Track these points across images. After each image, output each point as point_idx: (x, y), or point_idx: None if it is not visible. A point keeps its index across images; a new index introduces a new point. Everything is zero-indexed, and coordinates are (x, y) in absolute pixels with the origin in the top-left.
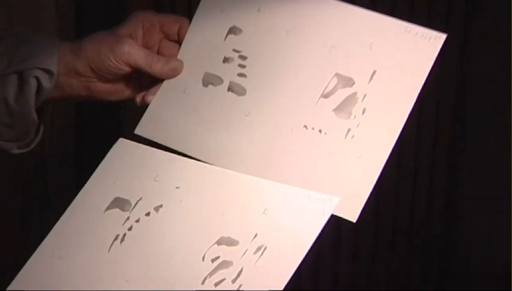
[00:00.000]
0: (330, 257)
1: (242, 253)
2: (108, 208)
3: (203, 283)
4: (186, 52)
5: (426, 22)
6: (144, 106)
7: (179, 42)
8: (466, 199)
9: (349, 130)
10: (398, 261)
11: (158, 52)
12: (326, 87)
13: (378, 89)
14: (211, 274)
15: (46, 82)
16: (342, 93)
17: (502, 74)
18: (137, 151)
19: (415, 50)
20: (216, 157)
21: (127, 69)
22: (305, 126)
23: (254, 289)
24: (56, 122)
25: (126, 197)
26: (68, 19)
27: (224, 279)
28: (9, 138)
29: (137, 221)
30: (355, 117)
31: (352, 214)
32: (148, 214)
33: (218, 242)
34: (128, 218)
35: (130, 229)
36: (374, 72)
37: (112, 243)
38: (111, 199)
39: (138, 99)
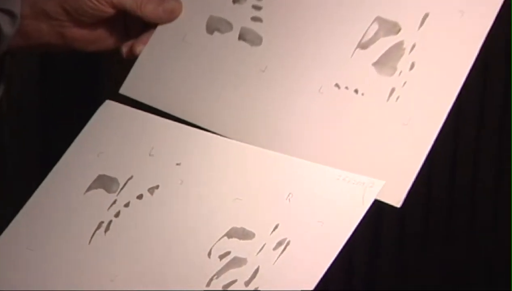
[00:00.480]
0: (367, 250)
1: (259, 249)
2: (89, 188)
3: (208, 285)
4: None
5: None
6: (131, 59)
7: None
8: None
9: (393, 90)
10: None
11: None
12: (364, 34)
13: (430, 38)
14: (219, 274)
15: (7, 27)
16: (385, 43)
17: None
18: (128, 116)
19: None
20: (224, 125)
21: (110, 10)
22: (336, 85)
23: None
24: (15, 83)
25: (113, 175)
26: None
27: (235, 281)
28: None
29: (127, 205)
30: (400, 73)
31: (395, 197)
32: (140, 196)
33: (229, 234)
34: (115, 202)
35: (117, 215)
36: (426, 15)
37: (94, 232)
38: (94, 177)
39: (124, 49)
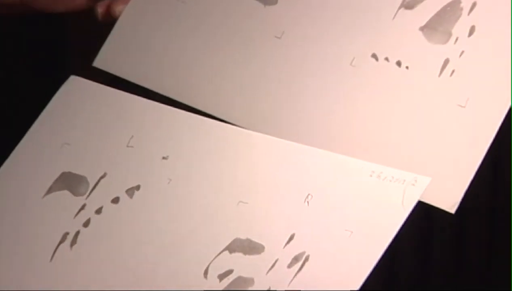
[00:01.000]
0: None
1: (270, 266)
2: (50, 190)
3: None
4: None
5: None
6: (108, 23)
7: None
8: None
9: (446, 61)
10: None
11: None
12: None
13: None
14: None
15: None
16: (436, 1)
17: None
18: (99, 97)
19: None
20: (227, 107)
21: None
22: (374, 56)
23: None
24: None
25: (81, 173)
26: None
27: None
28: None
29: (98, 211)
30: (457, 40)
31: (449, 200)
32: (116, 200)
33: (230, 248)
34: (83, 207)
35: (86, 224)
36: None
37: (58, 246)
38: (57, 175)
39: (100, 10)
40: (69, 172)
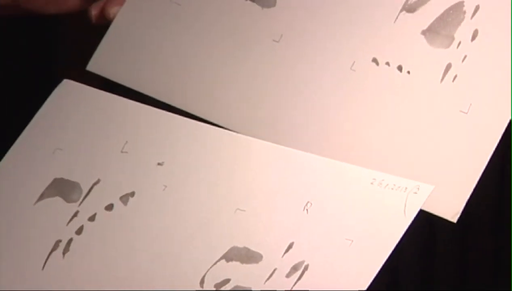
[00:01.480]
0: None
1: (268, 275)
2: (42, 197)
3: None
4: None
5: None
6: (102, 25)
7: None
8: None
9: (449, 66)
10: None
11: None
12: None
13: None
14: None
15: None
16: (439, 4)
17: None
18: (92, 101)
19: None
20: (224, 113)
21: None
22: (374, 60)
23: None
24: None
25: (74, 179)
26: None
27: None
28: None
29: (92, 218)
30: (459, 44)
31: (451, 209)
32: (110, 207)
33: (227, 257)
34: (76, 214)
35: (79, 231)
36: None
37: (50, 254)
38: (49, 182)
39: (94, 12)
40: (62, 178)
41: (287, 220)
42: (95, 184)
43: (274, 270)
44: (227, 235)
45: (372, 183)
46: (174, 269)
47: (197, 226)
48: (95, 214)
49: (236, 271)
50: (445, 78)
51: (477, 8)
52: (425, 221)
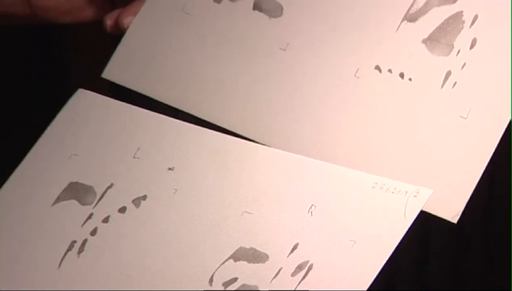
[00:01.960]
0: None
1: (274, 274)
2: (59, 199)
3: None
4: None
5: None
6: (116, 34)
7: None
8: None
9: (449, 73)
10: None
11: None
12: (412, 3)
13: (497, 6)
14: None
15: None
16: (439, 14)
17: None
18: (106, 109)
19: None
20: (232, 119)
21: None
22: (377, 68)
23: None
24: None
25: (89, 183)
26: None
27: None
28: None
29: (105, 220)
30: (459, 52)
31: (451, 210)
32: (123, 209)
33: (235, 257)
34: (90, 216)
35: (93, 233)
36: None
37: (65, 254)
38: (65, 185)
39: (109, 22)
40: (77, 182)
41: (292, 222)
42: (108, 188)
43: (280, 269)
44: (235, 236)
45: (373, 187)
46: (184, 268)
47: (206, 228)
48: (108, 216)
49: (243, 271)
50: (445, 84)
51: (475, 18)
52: (419, 225)
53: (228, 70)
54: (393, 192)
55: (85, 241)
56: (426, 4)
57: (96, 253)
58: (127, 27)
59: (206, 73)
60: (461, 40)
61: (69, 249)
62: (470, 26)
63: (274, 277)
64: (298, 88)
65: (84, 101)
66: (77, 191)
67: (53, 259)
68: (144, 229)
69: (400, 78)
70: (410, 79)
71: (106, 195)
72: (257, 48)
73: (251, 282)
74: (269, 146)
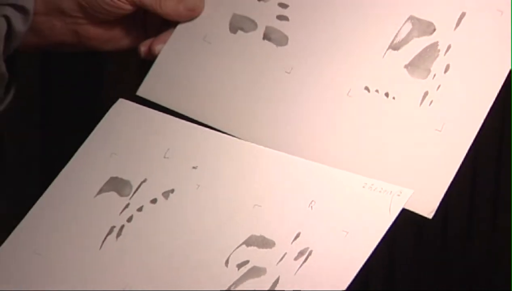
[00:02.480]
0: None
1: (279, 258)
2: (101, 191)
3: None
4: None
5: None
6: (149, 59)
7: None
8: None
9: (426, 93)
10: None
11: None
12: (396, 35)
13: (467, 38)
14: (236, 283)
15: (19, 23)
16: (418, 43)
17: None
18: (142, 116)
19: None
20: (246, 128)
21: (128, 7)
22: (366, 88)
23: None
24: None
25: (126, 178)
26: None
27: None
28: None
29: (140, 209)
30: (435, 76)
31: (427, 207)
32: (154, 201)
33: (247, 243)
34: (127, 205)
35: (129, 220)
36: (462, 15)
37: (106, 237)
38: (106, 179)
39: (143, 48)
40: (116, 177)
41: (295, 214)
42: (142, 182)
43: (285, 254)
44: (247, 225)
45: (363, 187)
46: (205, 252)
47: (223, 218)
48: (142, 206)
49: (254, 255)
50: (423, 102)
51: (449, 47)
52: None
53: (241, 89)
54: (380, 192)
55: (122, 227)
56: (407, 35)
57: (131, 237)
58: (158, 53)
59: (222, 91)
60: (437, 66)
61: (109, 233)
62: (445, 54)
63: (280, 260)
64: (301, 105)
65: (123, 109)
66: (117, 185)
67: (96, 241)
68: (172, 218)
69: (385, 97)
70: (393, 98)
71: (140, 188)
72: (266, 71)
73: (260, 265)
74: (276, 149)
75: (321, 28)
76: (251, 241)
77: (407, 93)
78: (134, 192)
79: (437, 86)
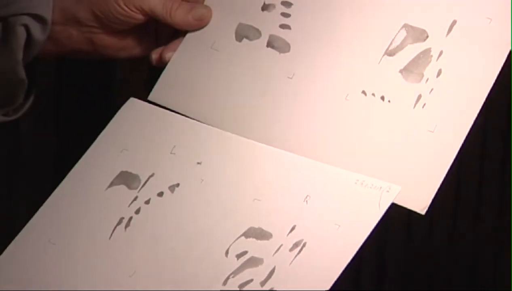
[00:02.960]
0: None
1: (275, 249)
2: (111, 184)
3: (225, 283)
4: None
5: None
6: (160, 66)
7: None
8: None
9: (419, 96)
10: None
11: None
12: (391, 41)
13: (458, 45)
14: (235, 273)
15: (37, 33)
16: (412, 50)
17: None
18: (151, 115)
19: None
20: (249, 129)
21: (140, 17)
22: (363, 92)
23: None
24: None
25: (135, 172)
26: None
27: (251, 280)
28: None
29: (147, 202)
30: (427, 80)
31: (421, 204)
32: (161, 194)
33: (246, 234)
34: (136, 198)
35: (137, 211)
36: (453, 23)
37: (115, 228)
38: (116, 173)
39: (154, 56)
40: (126, 171)
41: (291, 208)
42: (150, 176)
43: (281, 245)
44: (246, 218)
45: (355, 183)
46: (206, 242)
47: (224, 211)
48: (149, 199)
49: (252, 246)
50: (417, 105)
51: (441, 53)
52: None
53: (246, 93)
54: (370, 187)
55: (131, 218)
56: (402, 42)
57: (139, 228)
58: (168, 61)
59: (228, 95)
60: (430, 71)
61: (118, 224)
62: (437, 60)
63: (276, 251)
64: (302, 108)
65: (133, 107)
66: (126, 178)
67: (106, 231)
68: (177, 210)
69: (381, 100)
70: (389, 101)
71: (148, 182)
72: (269, 76)
73: (258, 255)
74: (276, 148)
75: (321, 36)
76: (250, 233)
77: (402, 97)
78: (142, 186)
79: (430, 89)
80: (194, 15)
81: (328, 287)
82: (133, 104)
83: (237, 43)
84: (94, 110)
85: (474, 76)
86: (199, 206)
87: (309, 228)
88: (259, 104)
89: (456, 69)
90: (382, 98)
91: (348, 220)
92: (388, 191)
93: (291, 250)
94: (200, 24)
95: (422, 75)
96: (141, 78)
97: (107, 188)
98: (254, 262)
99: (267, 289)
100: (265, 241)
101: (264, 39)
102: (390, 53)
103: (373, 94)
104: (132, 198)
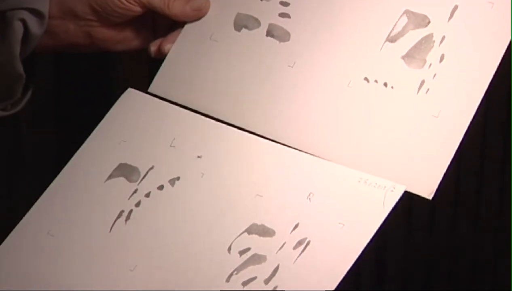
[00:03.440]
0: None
1: (279, 247)
2: (111, 177)
3: (228, 280)
4: None
5: None
6: (159, 58)
7: None
8: None
9: (423, 82)
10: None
11: None
12: (393, 28)
13: (460, 30)
14: (238, 270)
15: (35, 27)
16: (414, 36)
17: None
18: (150, 106)
19: None
20: (250, 119)
21: (138, 9)
22: (365, 79)
23: None
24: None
25: (134, 164)
26: None
27: (255, 278)
28: None
29: (147, 195)
30: (430, 65)
31: (427, 189)
32: (161, 187)
33: (249, 231)
34: (135, 191)
35: (138, 204)
36: (455, 8)
37: (115, 221)
38: (115, 165)
39: (153, 48)
40: (125, 163)
41: (294, 205)
42: (150, 169)
43: (284, 243)
44: (249, 214)
45: (359, 182)
46: (208, 238)
47: (226, 206)
48: (149, 192)
49: (255, 242)
50: (420, 91)
51: (443, 38)
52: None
53: (246, 83)
54: (374, 186)
55: (131, 211)
56: (403, 28)
57: (139, 222)
58: (168, 52)
59: (229, 86)
60: (432, 56)
61: (118, 217)
62: (439, 45)
63: (279, 249)
64: (304, 97)
65: (132, 98)
66: (125, 171)
67: (106, 224)
68: (177, 204)
69: (384, 87)
70: (392, 87)
71: (148, 175)
72: (270, 65)
73: (261, 252)
74: (278, 142)
75: (321, 24)
76: (252, 230)
77: (405, 82)
78: (142, 179)
79: (433, 75)
80: (192, 5)
81: (334, 287)
82: (131, 95)
83: (236, 33)
84: (94, 108)
85: (477, 60)
86: (200, 201)
87: (312, 226)
88: (260, 94)
89: (459, 54)
90: (385, 84)
91: (352, 219)
92: (392, 191)
93: (294, 248)
94: (198, 15)
95: (425, 61)
96: (141, 74)
97: (106, 180)
98: (257, 259)
99: (271, 287)
100: (268, 238)
101: (263, 29)
102: (391, 39)
103: (376, 81)
104: (132, 191)
